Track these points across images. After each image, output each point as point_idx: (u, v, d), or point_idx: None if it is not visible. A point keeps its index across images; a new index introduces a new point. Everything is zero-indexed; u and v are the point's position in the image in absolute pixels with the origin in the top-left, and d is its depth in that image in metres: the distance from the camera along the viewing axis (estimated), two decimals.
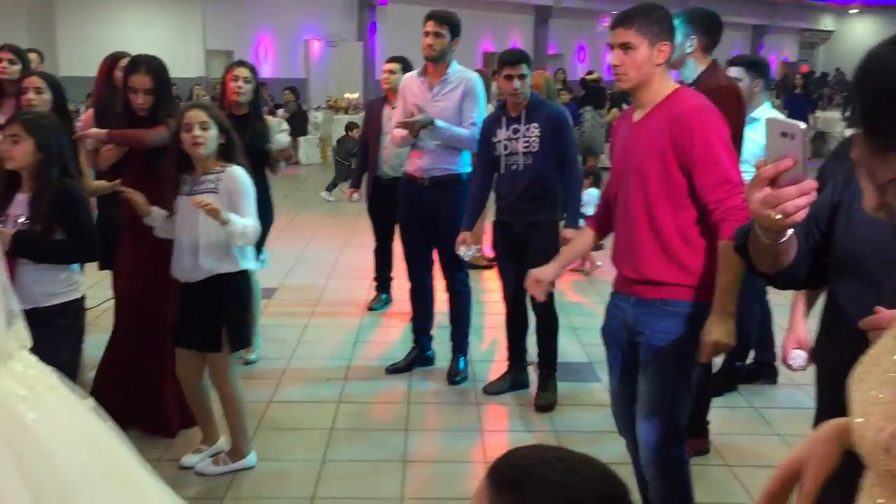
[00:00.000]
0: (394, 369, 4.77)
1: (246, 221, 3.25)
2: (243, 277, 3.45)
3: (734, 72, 4.07)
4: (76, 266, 3.19)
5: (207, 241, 3.32)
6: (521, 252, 4.22)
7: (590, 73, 14.76)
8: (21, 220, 2.97)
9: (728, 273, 2.46)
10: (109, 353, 3.90)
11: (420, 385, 4.62)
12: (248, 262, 3.47)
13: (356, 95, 16.47)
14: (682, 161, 2.51)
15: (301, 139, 14.34)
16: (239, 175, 3.33)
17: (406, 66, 5.30)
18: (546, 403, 4.32)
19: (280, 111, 13.98)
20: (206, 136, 3.28)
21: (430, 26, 4.34)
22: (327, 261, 7.47)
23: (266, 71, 17.13)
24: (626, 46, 2.54)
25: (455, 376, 4.65)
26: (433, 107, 4.36)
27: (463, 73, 4.47)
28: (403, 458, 3.75)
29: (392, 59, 5.53)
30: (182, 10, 16.50)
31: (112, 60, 4.34)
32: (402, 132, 4.47)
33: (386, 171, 5.41)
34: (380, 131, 5.38)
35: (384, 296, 6.06)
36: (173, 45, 14.58)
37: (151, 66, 3.72)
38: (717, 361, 3.93)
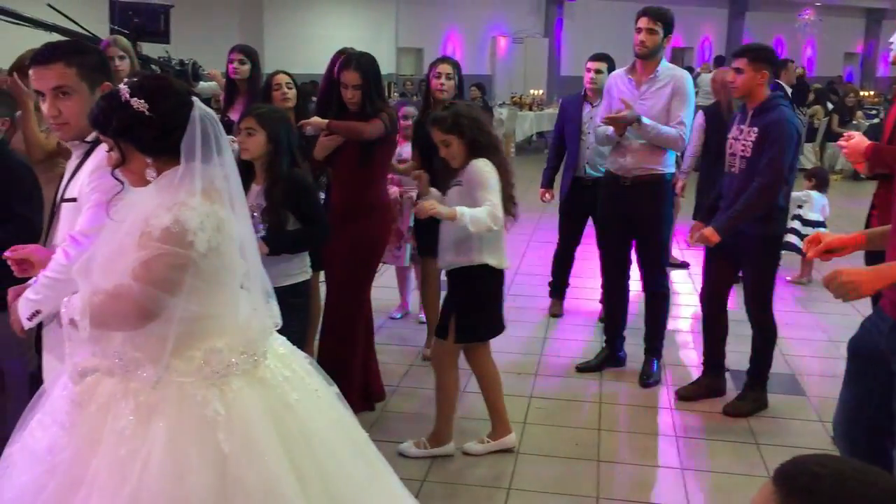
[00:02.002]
0: (585, 368, 4.76)
1: (473, 211, 3.32)
2: (480, 272, 3.48)
3: None
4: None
5: (447, 236, 3.51)
6: (732, 258, 4.07)
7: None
8: (259, 208, 3.21)
9: None
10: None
11: (611, 385, 4.59)
12: (489, 257, 3.48)
13: (540, 92, 16.48)
14: None
15: None
16: (476, 169, 3.43)
17: (611, 66, 5.12)
18: (735, 412, 4.17)
19: None
20: (447, 152, 3.47)
21: (644, 22, 4.25)
22: (513, 255, 7.51)
23: None
24: None
25: (648, 379, 4.58)
26: (640, 105, 4.28)
27: (672, 71, 4.37)
28: (597, 457, 3.75)
29: (597, 58, 5.26)
30: (377, 9, 17.18)
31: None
32: (607, 129, 4.40)
33: (588, 171, 5.32)
34: (580, 131, 5.30)
35: (559, 304, 5.84)
36: (368, 43, 15.06)
37: (360, 62, 3.84)
38: None
